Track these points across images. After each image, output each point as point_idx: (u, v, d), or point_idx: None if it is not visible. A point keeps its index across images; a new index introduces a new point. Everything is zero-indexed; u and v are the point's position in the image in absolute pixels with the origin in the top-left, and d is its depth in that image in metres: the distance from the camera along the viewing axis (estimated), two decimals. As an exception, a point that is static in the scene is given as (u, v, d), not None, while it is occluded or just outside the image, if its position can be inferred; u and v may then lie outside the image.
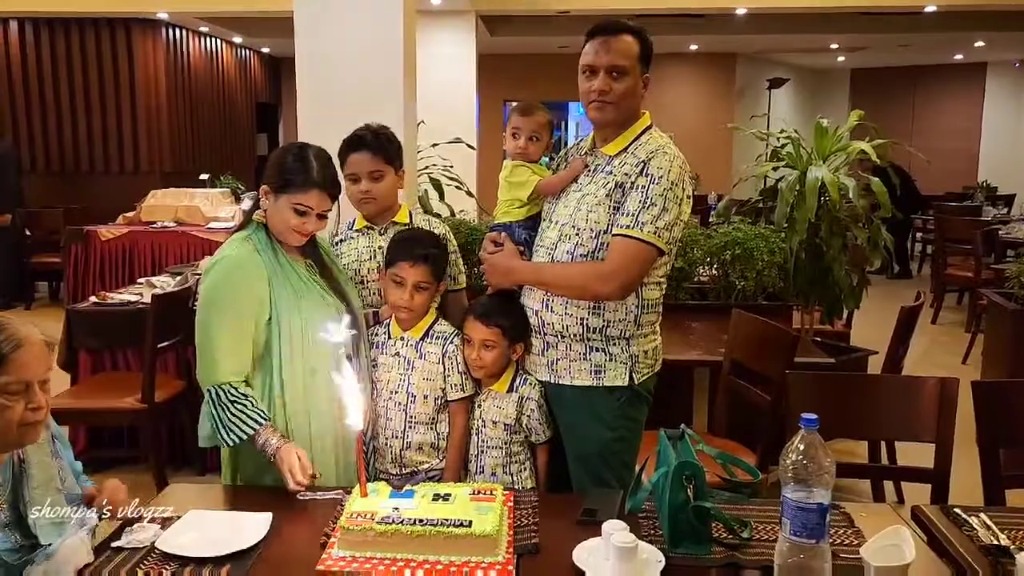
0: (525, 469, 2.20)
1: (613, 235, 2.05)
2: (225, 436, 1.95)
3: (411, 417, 2.18)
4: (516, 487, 2.11)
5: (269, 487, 1.96)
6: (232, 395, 1.95)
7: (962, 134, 12.89)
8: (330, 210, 2.08)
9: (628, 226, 2.03)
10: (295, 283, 2.06)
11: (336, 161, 2.23)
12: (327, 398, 2.02)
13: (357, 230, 2.39)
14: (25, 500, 1.58)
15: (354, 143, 2.33)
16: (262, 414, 1.96)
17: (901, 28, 9.22)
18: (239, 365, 1.99)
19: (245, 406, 1.95)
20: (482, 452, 2.19)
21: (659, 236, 2.03)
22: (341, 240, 2.41)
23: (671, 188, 2.04)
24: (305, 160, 2.03)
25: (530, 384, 2.18)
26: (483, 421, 2.19)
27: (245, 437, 1.94)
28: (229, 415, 1.94)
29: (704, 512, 1.61)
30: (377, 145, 2.32)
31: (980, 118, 12.96)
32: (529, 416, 2.17)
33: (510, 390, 2.18)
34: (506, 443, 2.17)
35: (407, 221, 2.40)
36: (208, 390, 1.97)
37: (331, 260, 2.21)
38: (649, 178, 2.04)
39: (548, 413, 2.20)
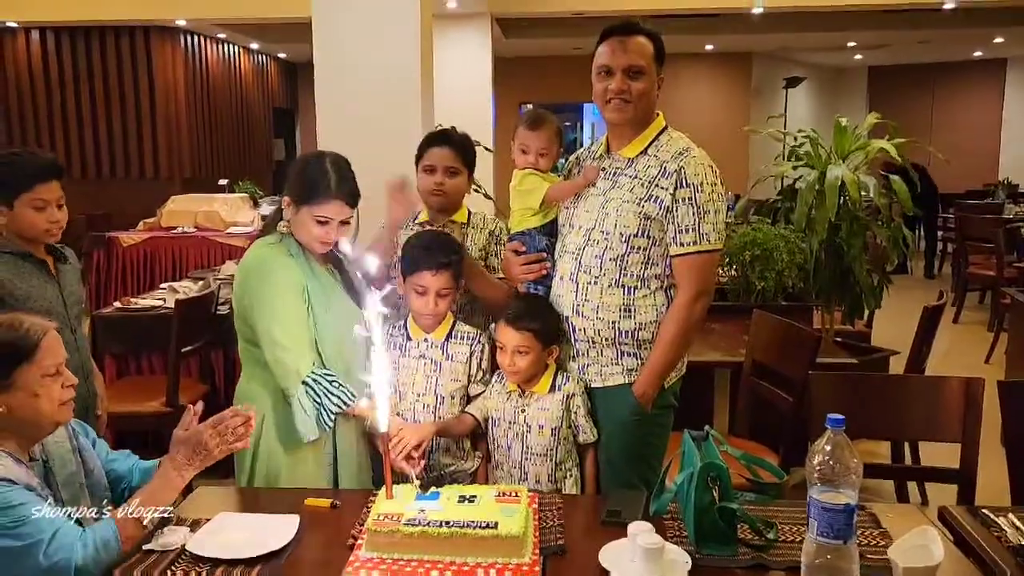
0: (570, 476, 2.17)
1: (681, 254, 2.07)
2: (328, 419, 2.03)
3: (440, 418, 2.19)
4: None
5: (295, 490, 1.98)
6: (326, 377, 2.03)
7: (982, 131, 12.76)
8: (352, 217, 2.11)
9: (695, 242, 2.06)
10: (325, 286, 2.10)
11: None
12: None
13: (419, 223, 2.44)
14: (57, 498, 1.67)
15: (438, 137, 2.43)
16: (351, 390, 2.05)
17: (919, 25, 9.15)
18: (311, 350, 2.06)
19: (338, 382, 2.04)
20: (527, 459, 2.15)
21: (720, 238, 2.09)
22: (407, 230, 2.47)
23: (713, 188, 2.07)
24: (323, 171, 2.05)
25: (573, 381, 2.15)
26: (527, 427, 2.14)
27: (344, 408, 2.03)
28: (329, 397, 2.02)
29: (730, 513, 1.61)
30: (459, 144, 2.42)
31: (1000, 115, 12.83)
32: (576, 413, 2.14)
33: (552, 390, 2.15)
34: (551, 449, 2.13)
35: (465, 220, 2.46)
36: (303, 383, 2.02)
37: (350, 266, 2.23)
38: (692, 188, 2.05)
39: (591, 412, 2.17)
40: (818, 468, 1.42)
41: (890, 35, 10.06)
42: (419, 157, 2.43)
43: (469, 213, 2.49)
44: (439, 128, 2.51)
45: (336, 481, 2.12)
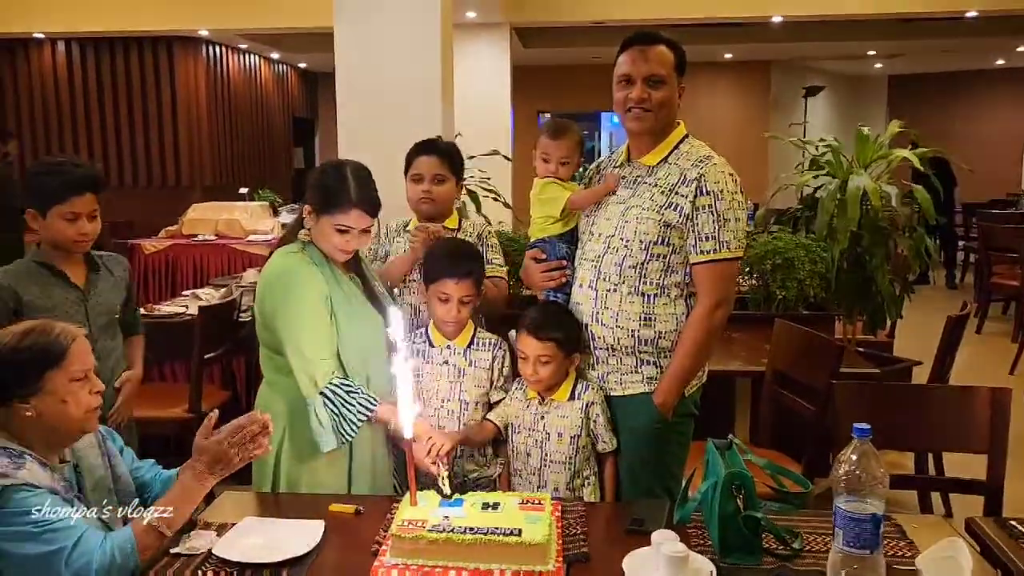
0: (588, 484, 2.15)
1: (701, 262, 2.07)
2: (348, 430, 2.01)
3: (464, 425, 2.19)
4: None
5: (319, 496, 1.99)
6: (345, 386, 2.02)
7: (1005, 140, 12.61)
8: (372, 225, 2.12)
9: (715, 250, 2.05)
10: (348, 295, 2.11)
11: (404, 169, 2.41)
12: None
13: (408, 231, 2.47)
14: (84, 501, 1.67)
15: (425, 146, 2.47)
16: (373, 396, 2.04)
17: (941, 34, 9.09)
18: (333, 357, 2.05)
19: (358, 391, 2.03)
20: (545, 466, 2.14)
21: (740, 246, 2.09)
22: (396, 235, 2.52)
23: (733, 196, 2.07)
24: (343, 180, 2.06)
25: (593, 389, 2.15)
26: (546, 434, 2.14)
27: (364, 421, 2.02)
28: (348, 407, 2.01)
29: (755, 522, 1.61)
30: (446, 152, 2.46)
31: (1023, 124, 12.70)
32: (595, 422, 2.13)
33: (572, 398, 2.14)
34: (570, 457, 2.12)
35: (456, 226, 2.48)
36: (321, 394, 2.01)
37: (371, 274, 2.25)
38: (712, 195, 2.05)
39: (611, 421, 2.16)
40: (844, 477, 1.42)
41: (911, 44, 9.99)
42: (407, 166, 2.47)
43: (460, 219, 2.52)
44: (427, 139, 2.54)
45: (351, 487, 2.11)
